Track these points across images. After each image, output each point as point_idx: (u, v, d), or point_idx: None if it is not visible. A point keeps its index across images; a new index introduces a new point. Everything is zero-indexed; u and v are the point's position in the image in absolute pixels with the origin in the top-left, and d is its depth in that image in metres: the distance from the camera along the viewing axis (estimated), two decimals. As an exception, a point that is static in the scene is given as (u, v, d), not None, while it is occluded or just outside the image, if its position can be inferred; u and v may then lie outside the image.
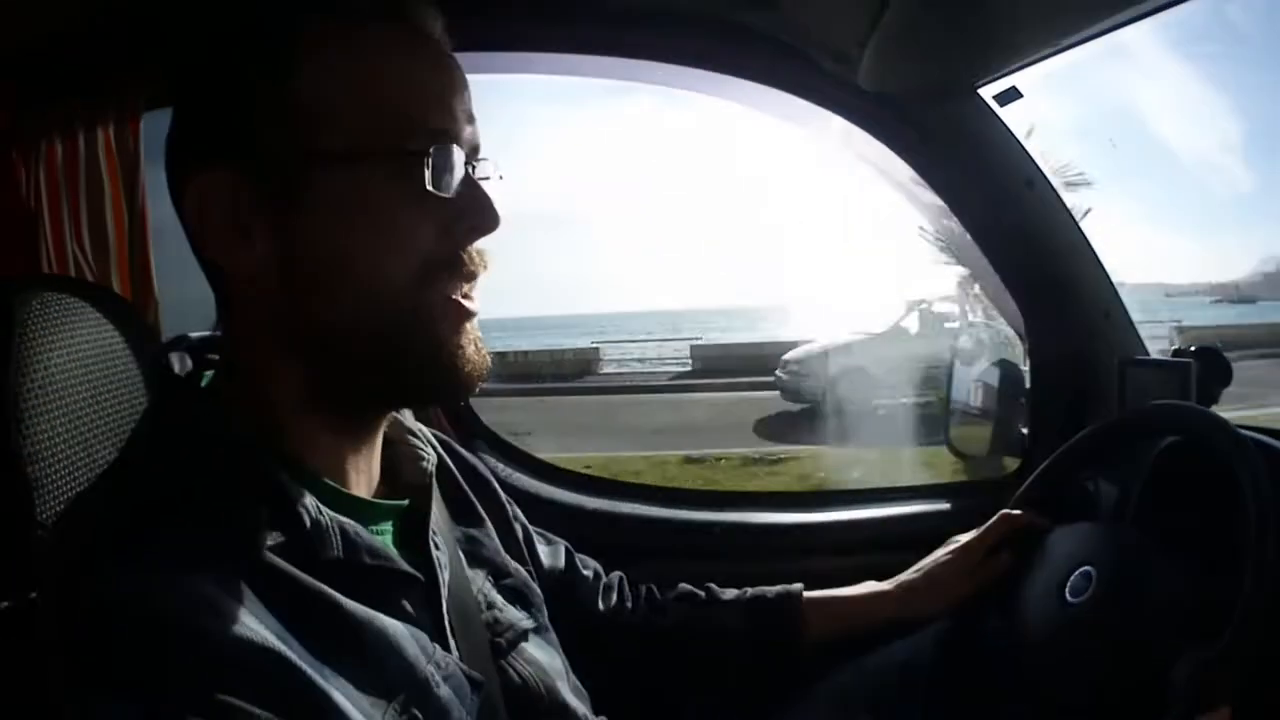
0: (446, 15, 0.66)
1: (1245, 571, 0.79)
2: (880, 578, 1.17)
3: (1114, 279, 1.37)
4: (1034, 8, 1.12)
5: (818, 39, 1.23)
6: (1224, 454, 0.88)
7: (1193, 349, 1.20)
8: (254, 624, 0.52)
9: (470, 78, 0.67)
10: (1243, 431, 0.91)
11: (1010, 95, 1.33)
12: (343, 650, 0.57)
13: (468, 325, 0.65)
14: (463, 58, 1.29)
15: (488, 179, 0.68)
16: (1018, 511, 1.07)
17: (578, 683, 0.83)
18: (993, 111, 1.34)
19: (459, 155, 0.63)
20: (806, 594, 1.05)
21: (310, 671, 0.53)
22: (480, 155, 0.67)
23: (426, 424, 1.26)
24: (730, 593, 1.06)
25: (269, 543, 0.57)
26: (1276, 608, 0.77)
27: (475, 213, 0.64)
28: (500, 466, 1.34)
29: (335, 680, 0.55)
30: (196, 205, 0.62)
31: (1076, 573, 0.93)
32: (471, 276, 0.65)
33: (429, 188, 0.61)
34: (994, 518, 1.07)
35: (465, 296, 0.65)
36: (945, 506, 1.40)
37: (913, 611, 1.04)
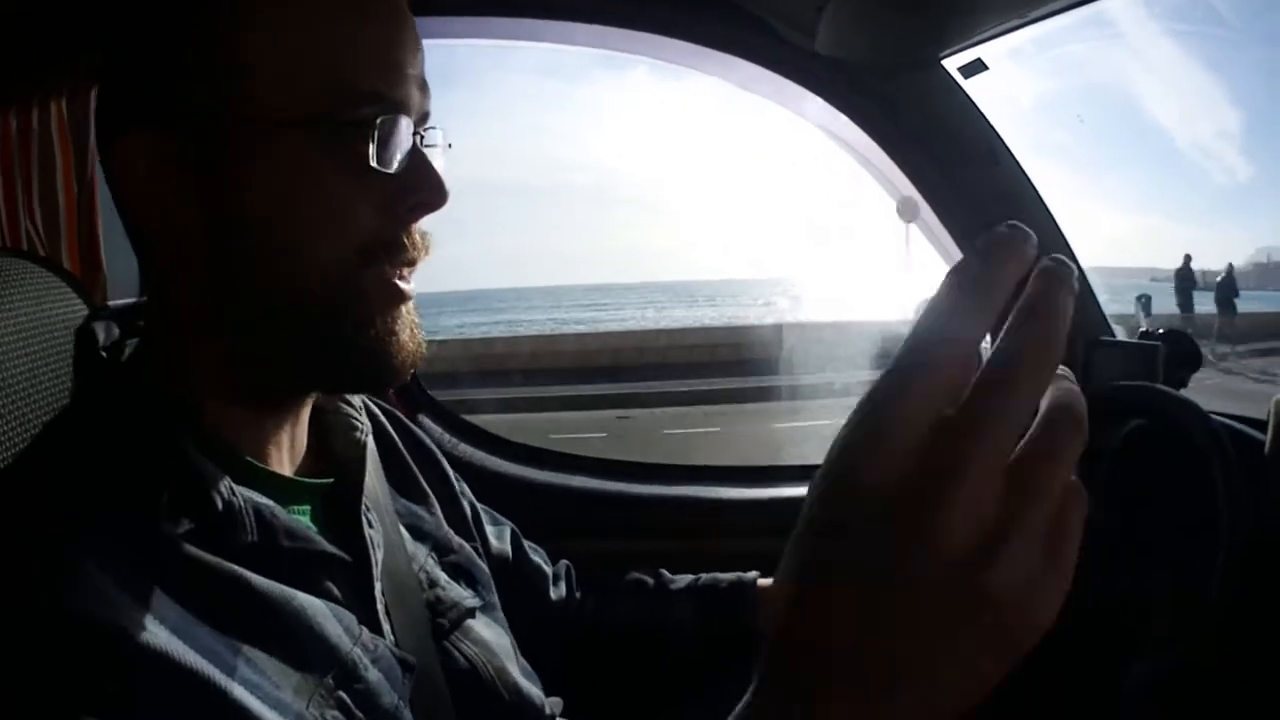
0: None
1: (1212, 579, 0.77)
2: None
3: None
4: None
5: (772, 2, 1.20)
6: (1196, 441, 0.86)
7: (1160, 331, 1.18)
8: (144, 617, 0.48)
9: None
10: (1215, 418, 0.88)
11: (975, 68, 1.31)
12: (258, 635, 0.53)
13: (403, 309, 0.61)
14: (445, 22, 1.27)
15: (435, 147, 0.63)
16: None
17: (526, 665, 0.80)
18: (956, 84, 1.31)
19: (406, 126, 0.58)
20: (761, 583, 1.00)
21: (212, 670, 0.49)
22: (429, 124, 0.62)
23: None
24: (681, 580, 1.02)
25: (178, 530, 0.54)
26: (1233, 622, 0.76)
27: (421, 189, 0.60)
28: (446, 438, 1.32)
29: (246, 672, 0.51)
30: (123, 168, 0.58)
31: None
32: (412, 262, 0.61)
33: (373, 164, 0.56)
34: None
35: (402, 279, 0.61)
36: None
37: None
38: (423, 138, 0.61)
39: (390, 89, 0.58)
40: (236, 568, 0.54)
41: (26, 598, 0.47)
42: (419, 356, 0.63)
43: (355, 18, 0.57)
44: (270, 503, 0.59)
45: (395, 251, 0.59)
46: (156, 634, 0.48)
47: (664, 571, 1.03)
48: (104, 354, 0.63)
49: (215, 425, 0.60)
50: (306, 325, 0.59)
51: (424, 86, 0.61)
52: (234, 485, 0.57)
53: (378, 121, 0.56)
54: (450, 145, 0.64)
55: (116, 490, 0.53)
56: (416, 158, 0.60)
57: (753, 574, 1.01)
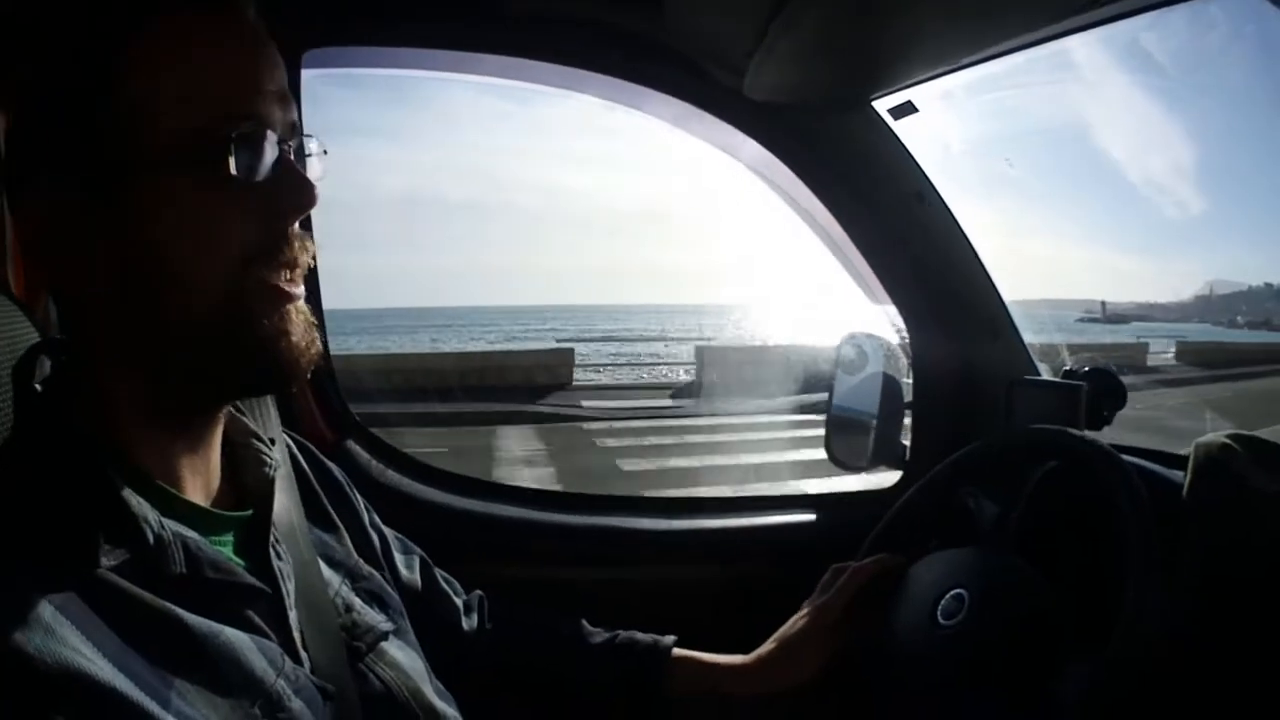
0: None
1: (1126, 585, 0.81)
2: (751, 587, 1.17)
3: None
4: (928, 26, 1.10)
5: (704, 46, 1.22)
6: (1104, 478, 0.90)
7: (1085, 369, 1.20)
8: (89, 650, 0.51)
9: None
10: (1125, 456, 0.92)
11: (905, 109, 1.34)
12: (188, 669, 0.56)
13: (290, 309, 0.64)
14: (353, 53, 1.25)
15: (310, 156, 0.67)
16: (869, 560, 1.06)
17: (442, 687, 0.82)
18: (885, 125, 1.34)
19: (269, 138, 0.62)
20: (675, 651, 1.02)
21: (149, 702, 0.52)
22: (302, 132, 0.66)
23: (296, 420, 1.25)
24: (599, 636, 1.03)
25: (110, 562, 0.56)
26: (1159, 618, 0.80)
27: (289, 194, 0.64)
28: (373, 464, 1.32)
29: (179, 704, 0.54)
30: (31, 222, 0.61)
31: (948, 595, 0.93)
32: (292, 264, 0.64)
33: (234, 173, 0.60)
34: (844, 575, 1.04)
35: (288, 281, 0.64)
36: (821, 518, 1.41)
37: (774, 685, 1.01)
38: (291, 148, 0.65)
39: (248, 107, 0.61)
40: (167, 604, 0.57)
41: None
42: (315, 354, 0.66)
43: (217, 47, 0.61)
44: (195, 535, 0.62)
45: (274, 254, 0.63)
46: (101, 668, 0.51)
47: (584, 622, 1.05)
48: (39, 388, 0.65)
49: (137, 457, 0.63)
50: (207, 339, 0.62)
51: (284, 100, 0.64)
52: (162, 518, 0.60)
53: (233, 135, 0.60)
54: (325, 151, 0.69)
55: (50, 527, 0.56)
56: (283, 166, 0.63)
57: (669, 639, 1.03)
